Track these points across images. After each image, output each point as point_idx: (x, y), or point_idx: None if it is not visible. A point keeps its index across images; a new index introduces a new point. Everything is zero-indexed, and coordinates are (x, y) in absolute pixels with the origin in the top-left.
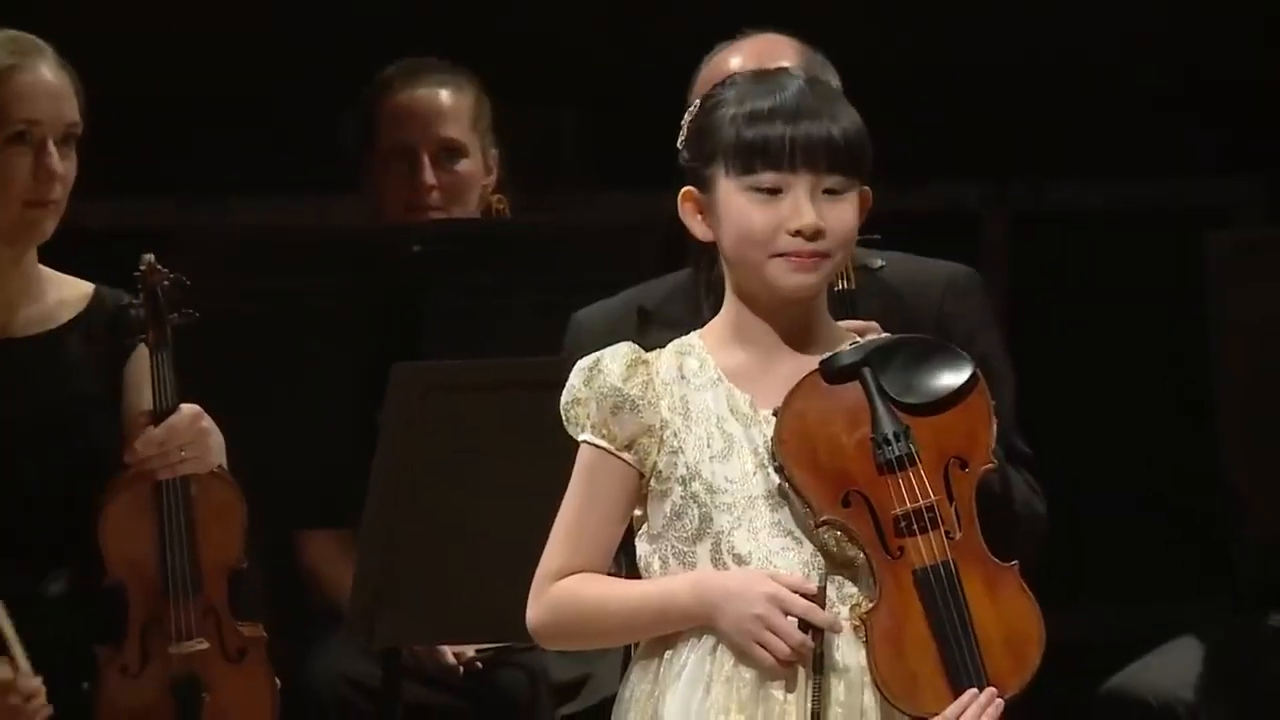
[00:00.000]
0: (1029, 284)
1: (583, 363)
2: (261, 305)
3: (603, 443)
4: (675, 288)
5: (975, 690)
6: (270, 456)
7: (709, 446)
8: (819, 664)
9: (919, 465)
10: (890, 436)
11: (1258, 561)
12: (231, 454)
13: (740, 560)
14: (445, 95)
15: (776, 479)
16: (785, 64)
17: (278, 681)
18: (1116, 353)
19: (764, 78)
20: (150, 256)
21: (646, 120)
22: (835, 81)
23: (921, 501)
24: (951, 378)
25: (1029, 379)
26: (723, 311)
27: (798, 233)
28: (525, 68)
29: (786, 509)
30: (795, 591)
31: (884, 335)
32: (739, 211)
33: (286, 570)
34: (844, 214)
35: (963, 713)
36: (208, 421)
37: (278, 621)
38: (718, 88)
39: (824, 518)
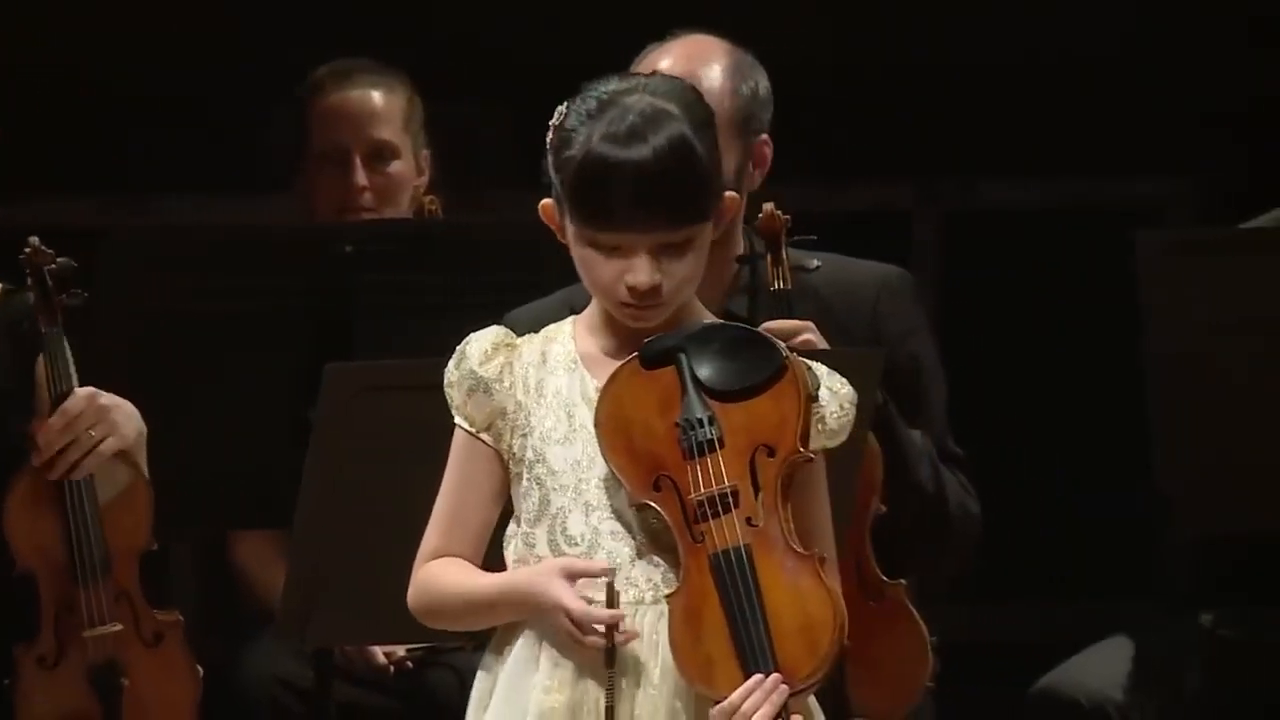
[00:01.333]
0: (961, 282)
1: (460, 346)
2: (194, 305)
3: (465, 424)
4: None
5: (761, 675)
6: (203, 456)
7: (554, 430)
8: (610, 658)
9: (721, 451)
10: (696, 421)
11: (1188, 560)
12: (164, 453)
13: (571, 542)
14: (377, 96)
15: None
16: (715, 65)
17: (199, 668)
18: (1048, 351)
19: (610, 115)
20: (35, 239)
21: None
22: (763, 82)
23: (717, 487)
24: (761, 366)
25: (961, 378)
26: (593, 299)
27: (633, 289)
28: (455, 68)
29: (621, 493)
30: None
31: (704, 321)
32: (582, 256)
33: (219, 570)
34: (686, 263)
35: (747, 697)
36: (107, 398)
37: (210, 621)
38: (576, 103)
39: (638, 501)
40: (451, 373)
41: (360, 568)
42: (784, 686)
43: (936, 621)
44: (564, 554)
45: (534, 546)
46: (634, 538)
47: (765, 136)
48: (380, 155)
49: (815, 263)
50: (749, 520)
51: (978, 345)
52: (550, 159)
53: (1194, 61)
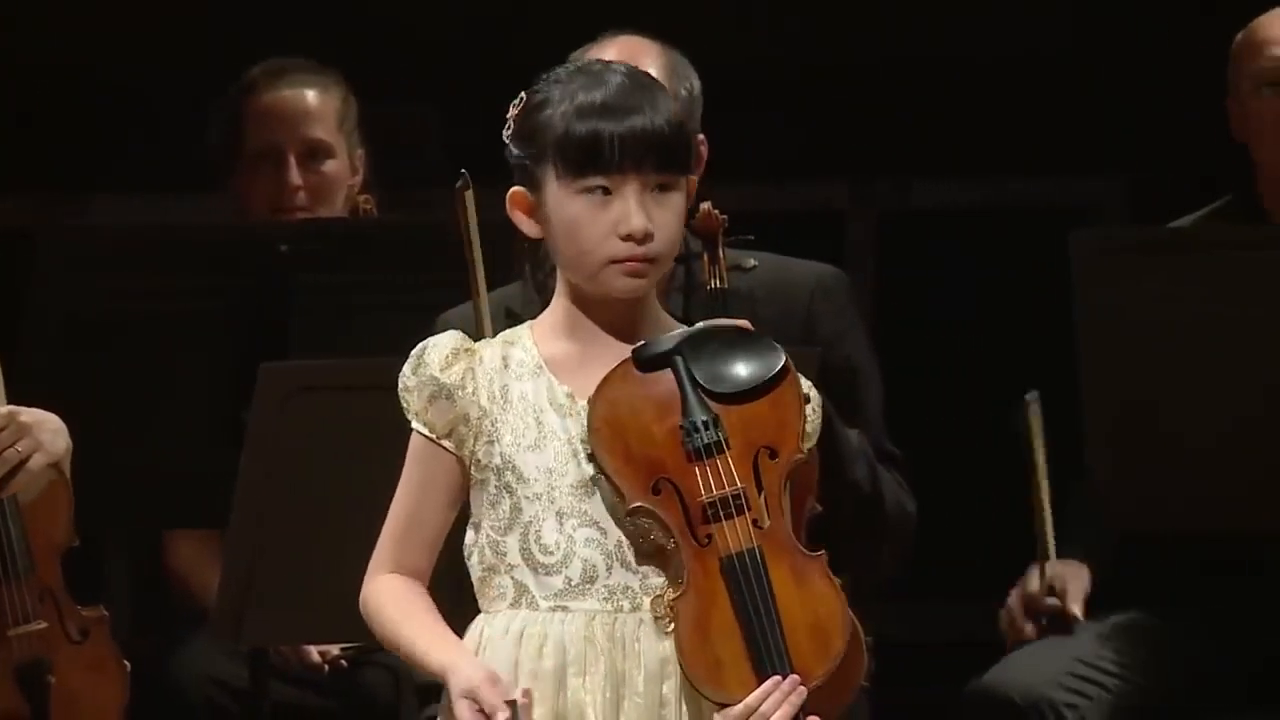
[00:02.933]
0: (896, 283)
1: (414, 351)
2: (129, 305)
3: (425, 430)
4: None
5: (779, 677)
6: (138, 456)
7: (524, 436)
8: None
9: (727, 453)
10: (700, 424)
11: (1122, 557)
12: (99, 454)
13: (545, 551)
14: (311, 96)
15: (588, 470)
16: (649, 68)
17: (127, 664)
18: (983, 350)
19: (588, 73)
20: None
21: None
22: (695, 82)
23: (729, 489)
24: (762, 367)
25: (896, 378)
26: (553, 303)
27: (628, 236)
28: (389, 66)
29: (595, 499)
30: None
31: (698, 324)
32: (570, 215)
33: (154, 571)
34: (671, 214)
35: (765, 699)
36: (29, 415)
37: (145, 621)
38: (540, 83)
39: (635, 505)
40: (409, 378)
41: (295, 567)
42: (802, 688)
43: (872, 620)
44: (538, 562)
45: (505, 555)
46: (609, 545)
47: (701, 136)
48: (314, 154)
49: (752, 262)
50: (755, 523)
51: (913, 345)
52: (517, 139)
53: (1128, 62)
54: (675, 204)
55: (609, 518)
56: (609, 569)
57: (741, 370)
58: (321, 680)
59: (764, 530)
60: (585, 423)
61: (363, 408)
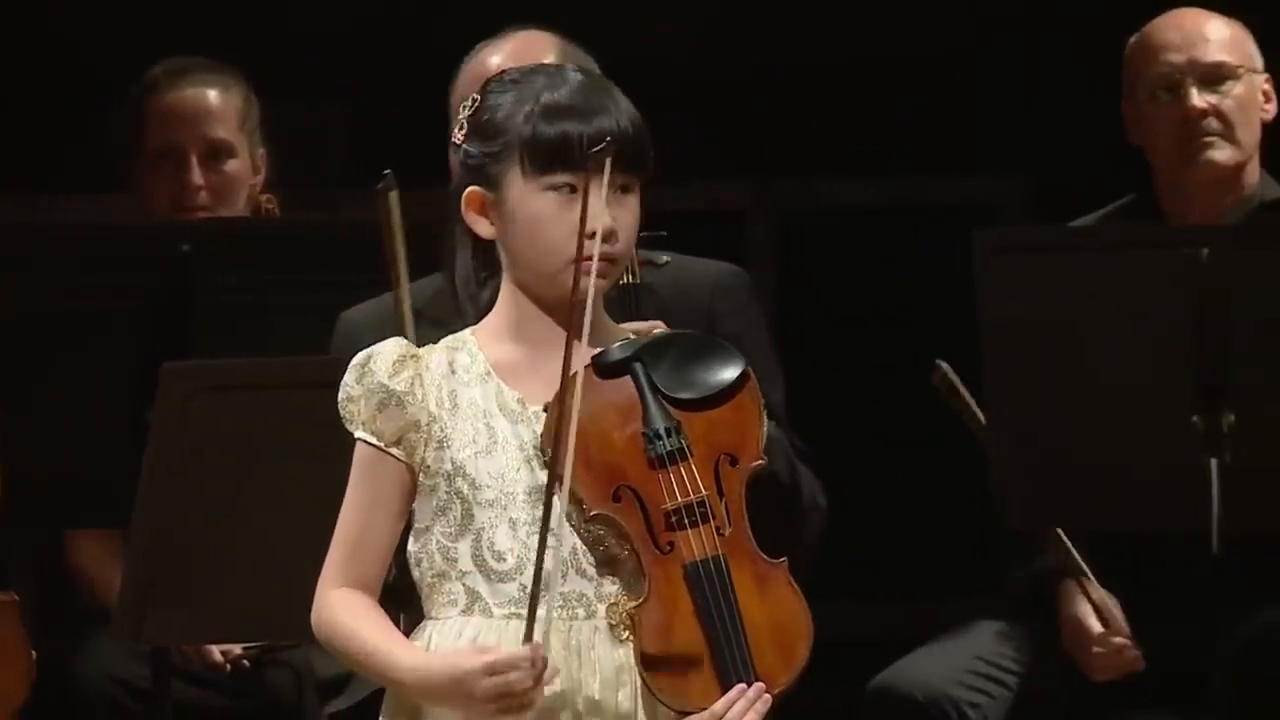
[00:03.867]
0: (797, 281)
1: (356, 359)
2: (31, 304)
3: (373, 439)
4: (443, 288)
5: (744, 685)
6: (40, 456)
7: (474, 442)
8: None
9: (690, 460)
10: (661, 431)
11: (1023, 556)
12: (1, 453)
13: (499, 558)
14: (212, 95)
15: (540, 476)
16: (546, 54)
17: (34, 652)
18: (885, 349)
19: (545, 74)
20: None
21: (414, 119)
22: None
23: (693, 496)
24: (723, 374)
25: (798, 377)
26: (498, 307)
27: (593, 234)
28: (292, 66)
29: (551, 507)
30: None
31: (659, 331)
32: (534, 213)
33: (56, 570)
34: (630, 214)
35: (731, 707)
36: None
37: (46, 620)
38: (496, 83)
39: (595, 512)
40: (353, 387)
41: (197, 567)
42: (767, 695)
43: None
44: (491, 569)
45: (456, 561)
46: (563, 552)
47: None
48: (216, 154)
49: (665, 258)
50: (718, 530)
51: (814, 344)
52: (475, 138)
53: (1027, 61)
54: (634, 205)
55: (564, 524)
56: (563, 576)
57: (702, 377)
58: (224, 680)
59: (726, 538)
60: (537, 429)
61: (265, 407)
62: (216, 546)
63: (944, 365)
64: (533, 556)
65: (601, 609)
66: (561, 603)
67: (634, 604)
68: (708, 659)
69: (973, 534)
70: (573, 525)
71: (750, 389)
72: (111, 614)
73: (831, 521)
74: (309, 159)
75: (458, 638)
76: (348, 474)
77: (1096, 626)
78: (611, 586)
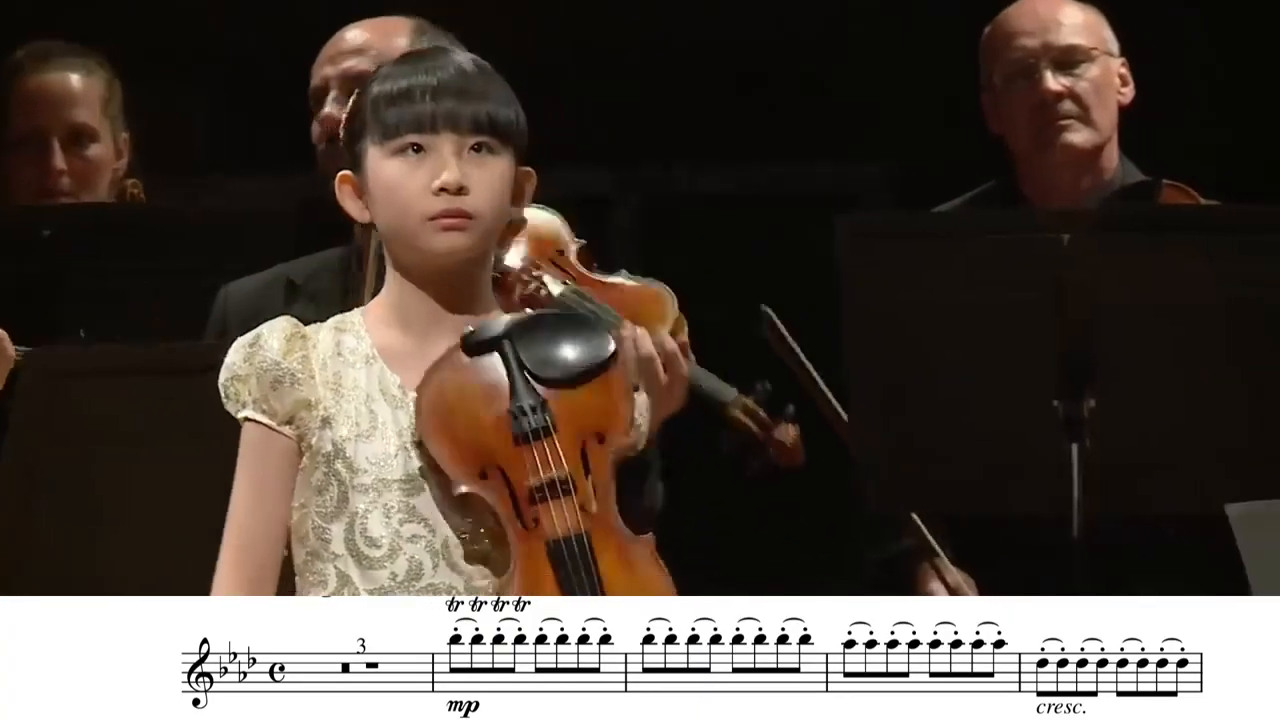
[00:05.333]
0: (659, 268)
1: (242, 339)
2: None
3: (264, 418)
4: (323, 263)
5: None
6: None
7: (356, 425)
8: None
9: (555, 436)
10: (527, 408)
11: (879, 540)
12: None
13: (371, 544)
14: (75, 79)
15: (416, 464)
16: (402, 39)
17: None
18: (746, 337)
19: (414, 56)
20: None
21: (278, 106)
22: None
23: (555, 472)
24: (590, 354)
25: None
26: (384, 290)
27: (442, 189)
28: (158, 51)
29: (424, 495)
30: None
31: (527, 311)
32: (387, 177)
33: None
34: (490, 175)
35: None
36: None
37: None
38: (372, 76)
39: (462, 491)
40: (240, 366)
41: (59, 555)
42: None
43: None
44: (363, 555)
45: (329, 543)
46: (435, 543)
47: None
48: (78, 139)
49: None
50: (583, 507)
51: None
52: (346, 126)
53: (889, 49)
54: (496, 167)
55: (437, 515)
56: (434, 567)
57: (569, 356)
58: None
59: (591, 514)
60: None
61: (128, 393)
62: (78, 534)
63: (769, 312)
64: (403, 545)
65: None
66: (431, 593)
67: (501, 580)
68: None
69: (831, 519)
70: (445, 514)
71: (619, 369)
72: None
73: (690, 515)
74: (173, 144)
75: None
76: (219, 461)
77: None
78: (482, 581)
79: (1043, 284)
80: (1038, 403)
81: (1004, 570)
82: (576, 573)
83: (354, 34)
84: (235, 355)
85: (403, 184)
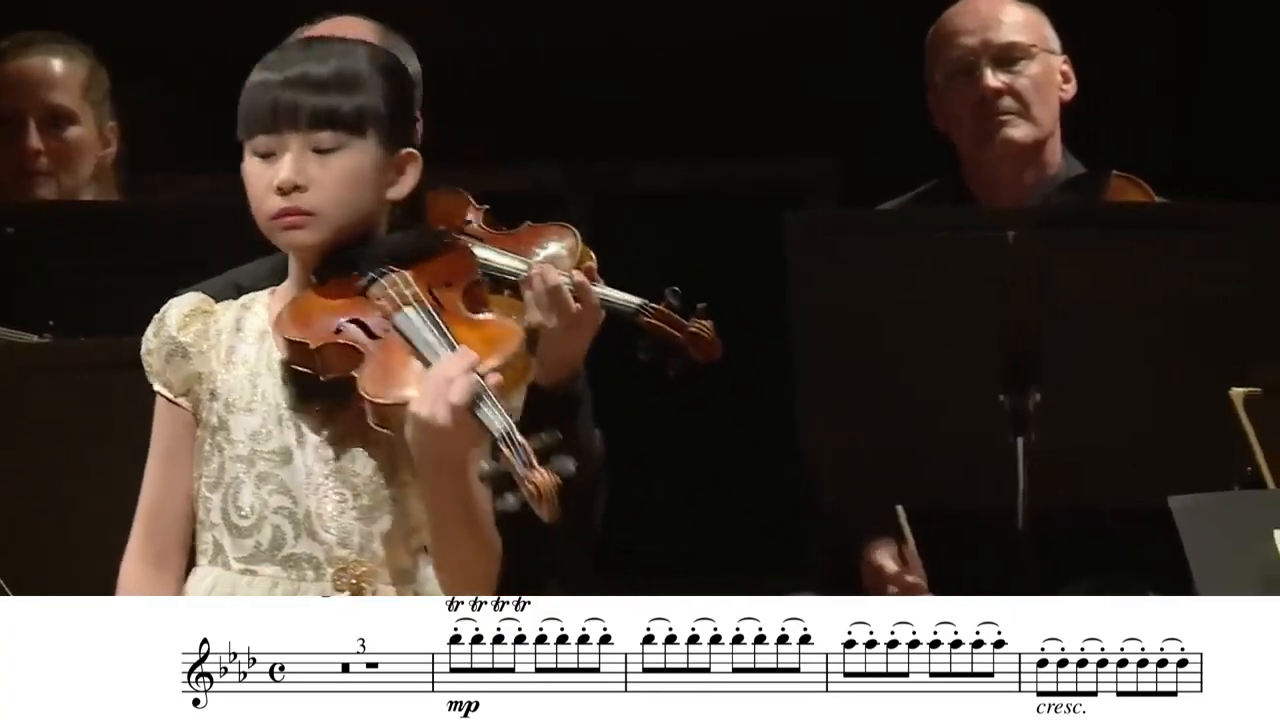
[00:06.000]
0: (612, 265)
1: (157, 315)
2: None
3: (165, 390)
4: (272, 267)
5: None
6: None
7: (239, 398)
8: None
9: (403, 274)
10: (377, 272)
11: (831, 530)
12: None
13: (240, 514)
14: (55, 63)
15: (289, 438)
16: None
17: None
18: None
19: (277, 52)
20: None
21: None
22: (415, 64)
23: (403, 288)
24: (432, 242)
25: (606, 361)
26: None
27: (278, 188)
28: (146, 50)
29: (291, 468)
30: None
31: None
32: (247, 176)
33: None
34: (334, 170)
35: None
36: None
37: None
38: None
39: (320, 344)
40: (150, 340)
41: (31, 552)
42: (474, 355)
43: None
44: (233, 524)
45: (210, 512)
46: (298, 514)
47: (418, 115)
48: (56, 120)
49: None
50: (430, 291)
51: (629, 329)
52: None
53: (835, 46)
54: (343, 162)
55: (302, 488)
56: (296, 538)
57: (412, 247)
58: None
59: (438, 303)
60: (294, 391)
61: (96, 388)
62: (51, 530)
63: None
64: (269, 516)
65: (330, 571)
66: (292, 563)
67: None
68: (420, 372)
69: (783, 512)
70: (307, 490)
71: (462, 250)
72: None
73: (643, 503)
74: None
75: (199, 586)
76: None
77: (893, 566)
78: (342, 551)
79: (988, 281)
80: (984, 397)
81: (951, 559)
82: (422, 329)
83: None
84: (149, 329)
85: (253, 183)
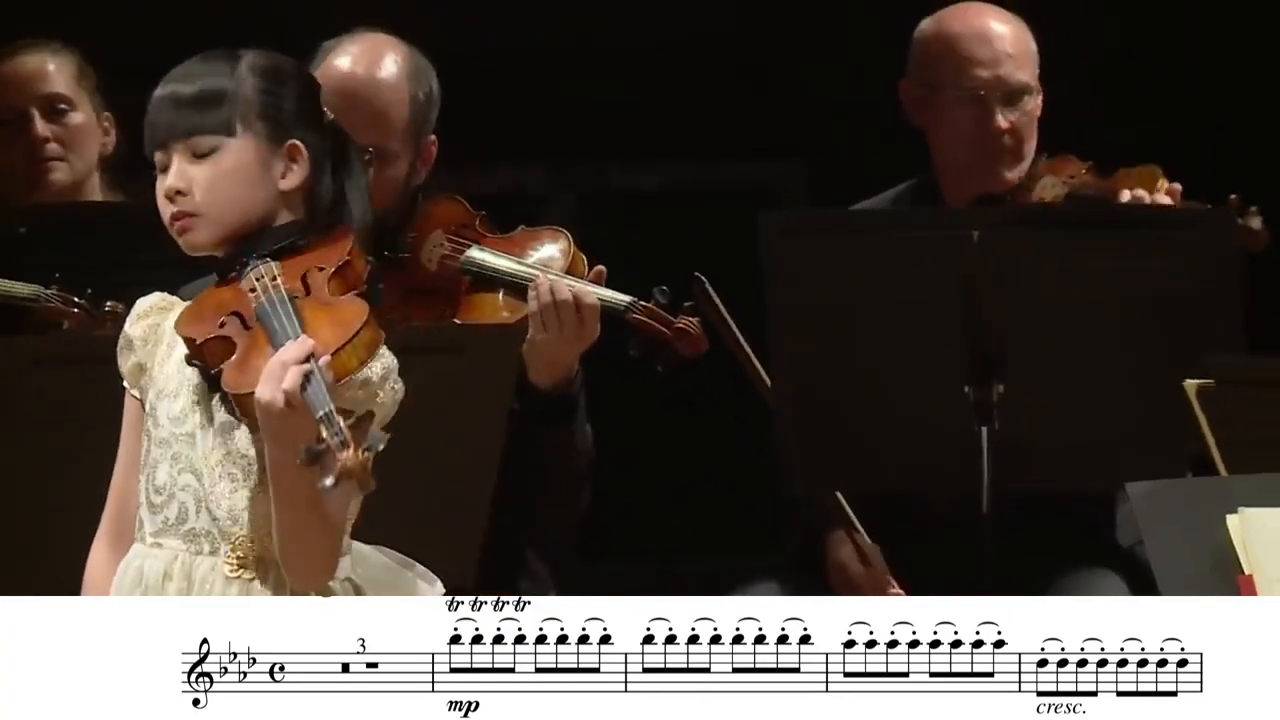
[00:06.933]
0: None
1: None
2: None
3: (124, 381)
4: None
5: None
6: None
7: (167, 385)
8: None
9: (275, 264)
10: (249, 260)
11: (800, 517)
12: None
13: (157, 492)
14: (46, 59)
15: (200, 420)
16: (391, 70)
17: None
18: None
19: (171, 71)
20: None
21: None
22: (435, 85)
23: (272, 278)
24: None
25: (592, 361)
26: None
27: (167, 197)
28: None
29: (195, 450)
30: None
31: None
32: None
33: None
34: (213, 171)
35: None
36: None
37: None
38: None
39: (204, 340)
40: (121, 337)
41: (28, 545)
42: (310, 341)
43: (556, 576)
44: (151, 501)
45: (141, 493)
46: (201, 491)
47: (433, 137)
48: (56, 108)
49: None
50: (304, 277)
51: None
52: None
53: (809, 48)
54: (222, 161)
55: (203, 468)
56: (196, 514)
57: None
58: None
59: (305, 293)
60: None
61: (95, 382)
62: (48, 524)
63: (702, 279)
64: (177, 494)
65: (224, 548)
66: (191, 537)
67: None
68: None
69: (755, 498)
70: (211, 466)
71: (338, 238)
72: None
73: (619, 487)
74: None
75: (129, 562)
76: None
77: (859, 567)
78: (233, 528)
79: (953, 278)
80: (950, 389)
81: (916, 545)
82: (273, 312)
83: (344, 64)
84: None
85: (157, 197)
